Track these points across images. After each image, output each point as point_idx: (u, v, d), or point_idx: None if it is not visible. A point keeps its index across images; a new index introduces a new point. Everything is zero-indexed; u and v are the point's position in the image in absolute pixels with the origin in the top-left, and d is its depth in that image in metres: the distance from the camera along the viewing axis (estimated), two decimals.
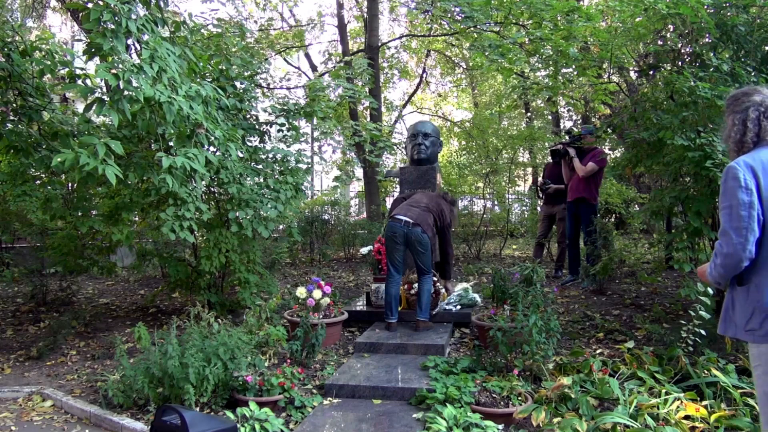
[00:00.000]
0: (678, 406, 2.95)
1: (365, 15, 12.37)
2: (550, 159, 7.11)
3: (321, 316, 4.65)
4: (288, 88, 11.79)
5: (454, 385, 3.46)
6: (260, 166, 5.22)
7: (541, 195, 7.35)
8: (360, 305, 5.46)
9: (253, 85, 5.63)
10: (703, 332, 3.53)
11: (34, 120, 4.45)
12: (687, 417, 2.90)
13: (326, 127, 6.49)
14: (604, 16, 6.96)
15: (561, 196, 6.93)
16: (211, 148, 4.37)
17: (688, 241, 4.04)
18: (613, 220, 9.87)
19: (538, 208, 9.10)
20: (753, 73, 4.17)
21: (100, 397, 3.61)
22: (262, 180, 5.12)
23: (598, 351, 4.18)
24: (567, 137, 6.68)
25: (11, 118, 4.45)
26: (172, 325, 3.75)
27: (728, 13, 4.51)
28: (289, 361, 4.02)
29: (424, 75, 16.76)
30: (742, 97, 2.14)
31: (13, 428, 3.37)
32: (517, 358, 3.75)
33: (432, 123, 6.33)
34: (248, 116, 5.50)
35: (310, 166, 8.73)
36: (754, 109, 2.08)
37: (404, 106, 16.50)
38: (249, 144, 5.31)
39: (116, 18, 3.36)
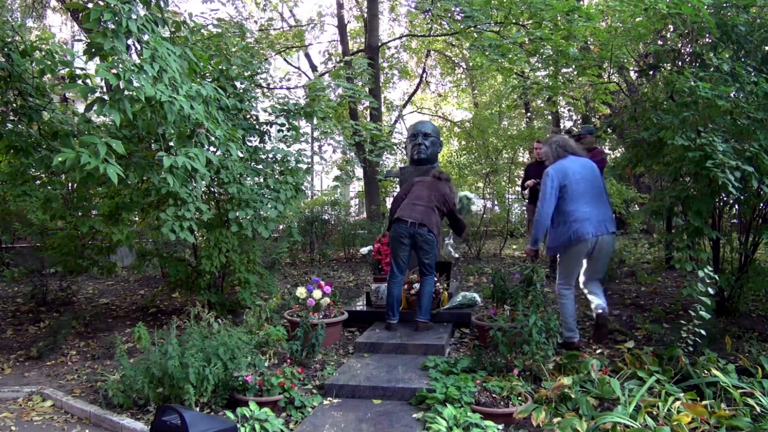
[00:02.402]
0: (678, 406, 2.95)
1: (365, 15, 12.37)
2: (528, 158, 7.06)
3: (321, 316, 4.65)
4: (288, 88, 11.79)
5: (454, 385, 3.46)
6: (260, 166, 5.22)
7: (525, 196, 7.29)
8: (360, 305, 5.46)
9: (253, 85, 5.63)
10: (703, 332, 3.53)
11: (34, 120, 4.44)
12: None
13: (326, 127, 6.48)
14: (604, 16, 6.96)
15: None
16: (212, 148, 4.36)
17: (688, 241, 4.04)
18: None
19: (524, 209, 9.07)
20: (753, 73, 4.17)
21: (100, 397, 3.61)
22: (262, 180, 5.12)
23: (598, 351, 4.18)
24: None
25: (11, 118, 4.45)
26: (172, 325, 3.75)
27: (728, 13, 4.51)
28: (289, 361, 4.02)
29: (424, 75, 16.76)
30: (550, 139, 4.37)
31: (13, 428, 3.37)
32: (517, 358, 3.75)
33: (432, 123, 6.32)
34: (248, 116, 5.50)
35: (310, 166, 8.73)
36: (554, 142, 4.29)
37: (404, 106, 16.51)
38: (249, 144, 5.30)
39: (116, 18, 3.35)
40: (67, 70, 4.07)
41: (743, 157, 3.69)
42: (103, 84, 4.23)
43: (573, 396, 3.15)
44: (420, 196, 4.82)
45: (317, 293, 4.69)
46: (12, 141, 4.27)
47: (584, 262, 4.17)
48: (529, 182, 6.95)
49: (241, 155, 4.95)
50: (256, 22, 13.36)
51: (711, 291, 3.52)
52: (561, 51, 5.78)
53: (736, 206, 4.77)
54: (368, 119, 10.14)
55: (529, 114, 15.61)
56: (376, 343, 4.41)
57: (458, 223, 5.09)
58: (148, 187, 4.74)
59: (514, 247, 10.82)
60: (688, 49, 5.34)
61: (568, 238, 3.98)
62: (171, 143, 4.18)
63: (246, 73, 5.37)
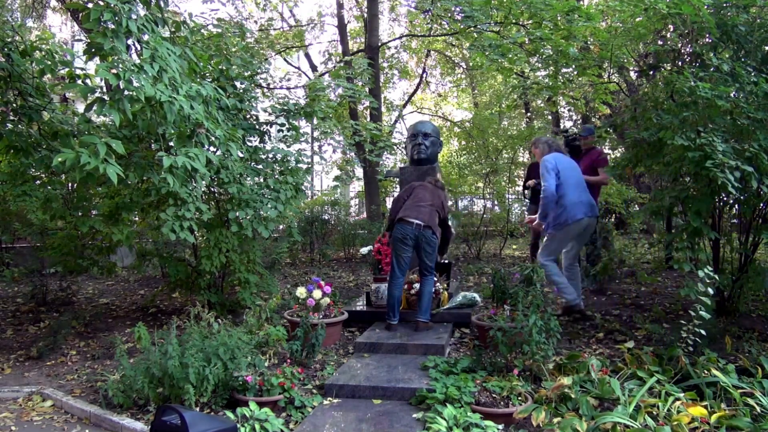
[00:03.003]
0: (678, 406, 2.95)
1: (365, 15, 12.38)
2: (528, 158, 7.07)
3: (321, 316, 4.65)
4: (288, 88, 11.79)
5: (454, 385, 3.46)
6: (260, 166, 5.22)
7: (527, 196, 7.30)
8: (360, 305, 5.46)
9: (253, 85, 5.62)
10: (703, 332, 3.53)
11: (34, 120, 4.44)
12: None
13: (326, 127, 6.48)
14: (604, 16, 6.96)
15: None
16: (212, 148, 4.36)
17: (687, 241, 4.04)
18: (613, 220, 9.87)
19: (524, 210, 9.09)
20: (753, 73, 4.17)
21: (100, 397, 3.61)
22: (262, 180, 5.12)
23: (598, 351, 4.18)
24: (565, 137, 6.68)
25: (11, 118, 4.45)
26: (172, 325, 3.75)
27: (728, 13, 4.51)
28: (289, 361, 4.02)
29: (424, 75, 16.77)
30: (539, 140, 5.03)
31: (13, 428, 3.37)
32: (517, 358, 3.75)
33: (432, 123, 6.33)
34: (248, 116, 5.49)
35: (310, 166, 8.73)
36: (545, 140, 4.98)
37: (404, 106, 16.51)
38: (249, 144, 5.30)
39: (116, 18, 3.35)
40: (67, 70, 4.07)
41: (743, 157, 3.69)
42: (103, 84, 4.22)
43: (573, 396, 3.15)
44: (423, 198, 4.87)
45: (317, 293, 4.69)
46: (12, 141, 4.27)
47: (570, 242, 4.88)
48: (530, 182, 6.94)
49: (241, 155, 4.95)
50: (256, 22, 13.37)
51: (711, 291, 3.52)
52: (561, 51, 5.78)
53: (736, 206, 4.77)
54: (368, 119, 10.14)
55: (529, 114, 15.61)
56: (376, 343, 4.41)
57: (446, 230, 5.15)
58: (148, 187, 4.74)
59: (514, 247, 10.82)
60: (688, 49, 5.34)
61: (564, 220, 4.61)
62: (171, 143, 4.18)
63: (246, 73, 5.37)
